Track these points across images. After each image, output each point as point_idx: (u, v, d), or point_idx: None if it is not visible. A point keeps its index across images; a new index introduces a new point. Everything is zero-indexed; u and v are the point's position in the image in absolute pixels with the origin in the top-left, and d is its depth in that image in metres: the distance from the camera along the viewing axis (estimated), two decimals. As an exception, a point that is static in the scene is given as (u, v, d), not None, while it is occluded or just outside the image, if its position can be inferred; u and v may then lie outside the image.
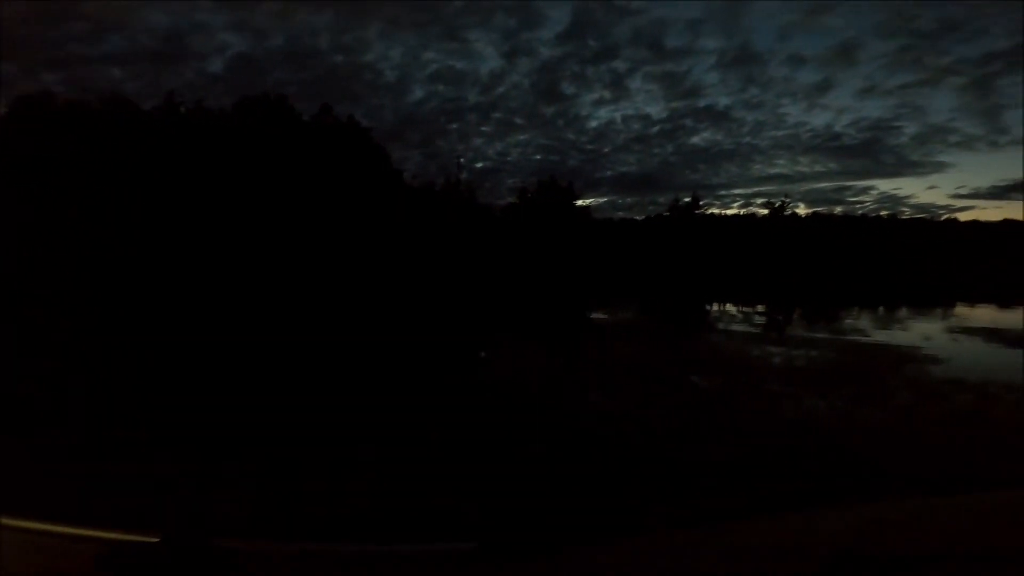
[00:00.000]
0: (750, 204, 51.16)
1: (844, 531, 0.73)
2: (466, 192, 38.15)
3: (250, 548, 0.70)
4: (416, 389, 5.41)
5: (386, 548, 0.69)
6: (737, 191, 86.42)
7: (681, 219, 47.16)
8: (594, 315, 13.97)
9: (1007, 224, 58.12)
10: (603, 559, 0.65)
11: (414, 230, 26.54)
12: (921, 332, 10.46)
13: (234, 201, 21.42)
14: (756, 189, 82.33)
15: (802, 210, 54.83)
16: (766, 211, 51.97)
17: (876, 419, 4.49)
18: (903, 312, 15.04)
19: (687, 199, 49.12)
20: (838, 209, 57.73)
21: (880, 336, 9.87)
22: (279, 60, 67.63)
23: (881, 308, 16.08)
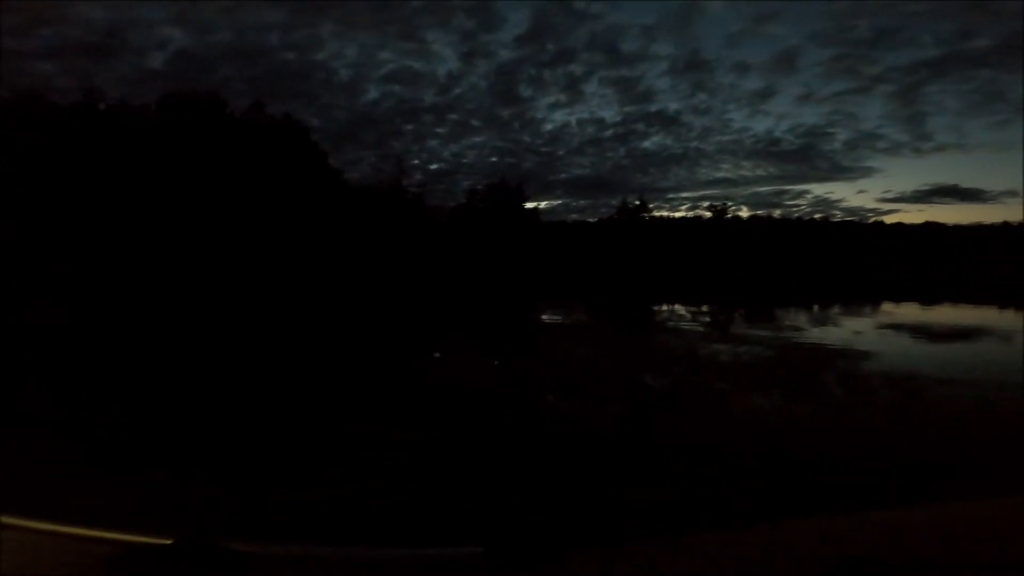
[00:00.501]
0: (697, 207, 53.15)
1: (849, 537, 0.73)
2: (410, 192, 37.65)
3: (260, 550, 0.69)
4: (345, 392, 5.23)
5: (394, 552, 0.68)
6: (685, 194, 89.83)
7: (628, 222, 48.25)
8: (544, 316, 13.87)
9: (928, 226, 62.85)
10: (608, 565, 0.67)
11: (353, 231, 25.80)
12: (852, 329, 10.89)
13: (153, 201, 20.15)
14: (703, 192, 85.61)
15: (744, 213, 57.22)
16: (710, 214, 53.96)
17: (814, 414, 4.62)
18: (836, 310, 15.72)
19: (636, 202, 50.35)
20: (777, 212, 60.69)
21: (816, 333, 10.21)
22: (225, 56, 65.08)
23: (816, 306, 16.77)
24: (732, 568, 0.65)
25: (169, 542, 0.69)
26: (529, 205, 44.75)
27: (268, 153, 24.92)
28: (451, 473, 3.10)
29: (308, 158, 27.62)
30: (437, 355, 8.00)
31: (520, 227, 39.43)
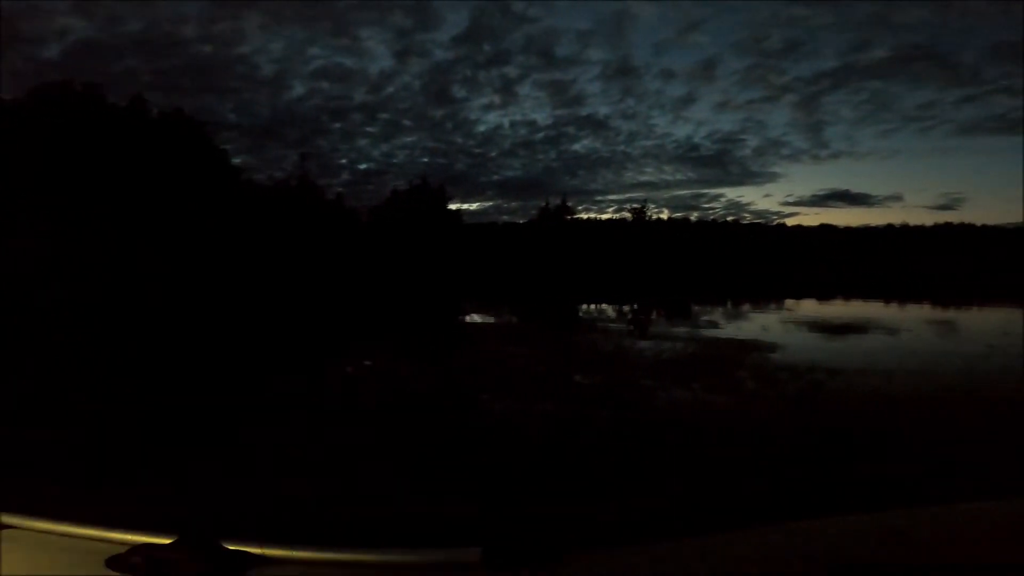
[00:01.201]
0: (623, 209, 55.37)
1: (846, 540, 0.73)
2: (327, 192, 36.27)
3: (260, 550, 0.68)
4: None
5: (392, 553, 0.68)
6: (612, 196, 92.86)
7: (550, 223, 49.03)
8: (471, 318, 13.83)
9: (823, 228, 69.28)
10: (607, 566, 0.67)
11: (256, 232, 24.40)
12: (761, 324, 11.76)
13: (12, 198, 18.11)
14: (628, 195, 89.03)
15: (665, 215, 59.98)
16: (630, 216, 56.11)
17: (734, 405, 4.91)
18: (746, 307, 16.89)
19: (563, 204, 51.32)
20: (695, 215, 64.22)
21: (730, 329, 10.91)
22: (132, 48, 59.47)
23: (729, 304, 17.95)
24: (732, 570, 0.65)
25: (171, 541, 0.68)
26: (453, 206, 44.51)
27: (151, 149, 23.00)
28: (394, 476, 3.03)
29: (201, 155, 25.82)
30: (368, 362, 7.78)
31: (442, 229, 39.03)
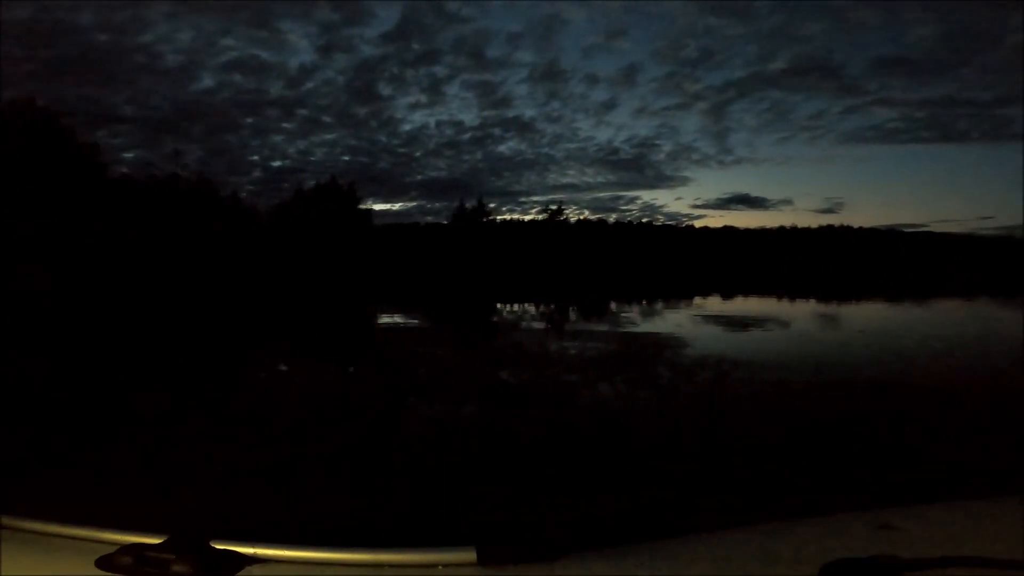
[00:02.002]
0: (546, 210, 56.97)
1: (837, 537, 0.75)
2: (213, 188, 34.03)
3: (254, 551, 0.68)
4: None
5: (386, 553, 0.67)
6: (536, 198, 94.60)
7: (466, 224, 49.02)
8: (386, 320, 13.53)
9: (726, 230, 74.92)
10: (602, 565, 0.66)
11: (118, 229, 22.35)
12: (674, 321, 12.49)
13: None
14: (551, 197, 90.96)
15: (586, 216, 61.98)
16: (545, 217, 57.35)
17: (654, 399, 5.19)
18: (659, 305, 17.85)
19: (479, 204, 51.38)
20: (613, 216, 66.98)
21: (646, 326, 11.48)
22: (18, 35, 52.12)
23: (644, 302, 18.89)
24: (724, 569, 0.66)
25: (161, 541, 0.67)
26: (375, 206, 43.42)
27: None
28: (325, 480, 2.92)
29: (55, 148, 23.25)
30: (284, 367, 7.40)
31: (350, 229, 37.84)
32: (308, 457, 3.48)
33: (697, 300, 19.65)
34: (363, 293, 21.65)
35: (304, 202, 39.17)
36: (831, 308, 16.77)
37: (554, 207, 57.27)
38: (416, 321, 13.46)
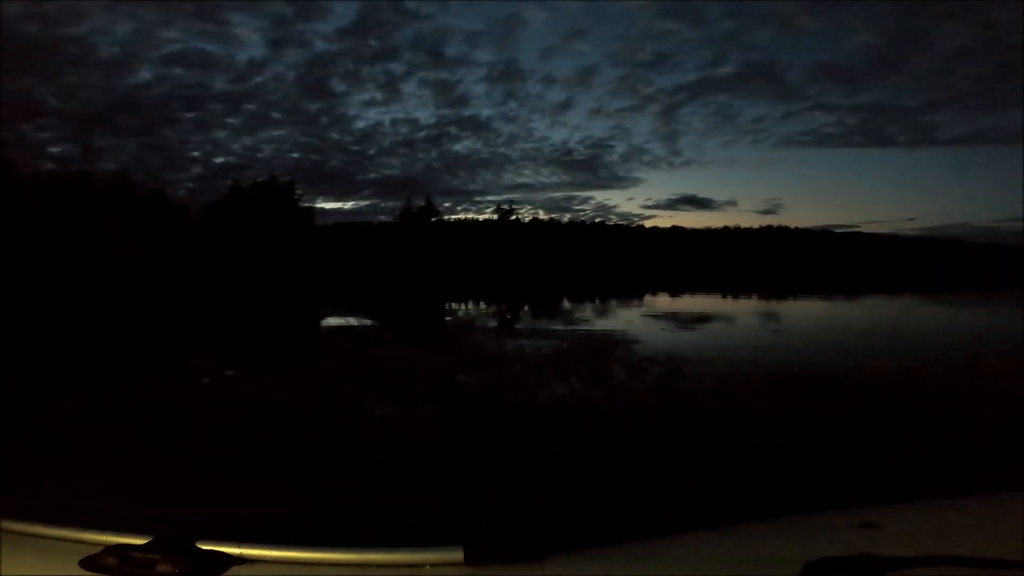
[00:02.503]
0: (498, 210, 57.02)
1: (820, 536, 0.76)
2: (133, 185, 32.22)
3: (240, 551, 0.67)
4: None
5: (373, 553, 0.67)
6: (491, 197, 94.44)
7: (414, 223, 48.36)
8: (333, 322, 13.20)
9: (674, 230, 77.44)
10: (588, 565, 0.66)
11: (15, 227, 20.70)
12: (626, 319, 12.82)
13: None
14: (506, 196, 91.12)
15: (540, 216, 62.50)
16: (497, 216, 57.46)
17: (612, 396, 5.31)
18: (611, 303, 18.27)
19: (427, 204, 50.72)
20: (567, 216, 67.84)
21: (599, 324, 11.73)
22: None
23: (596, 300, 19.28)
24: (708, 568, 0.66)
25: (146, 542, 0.66)
26: (307, 204, 42.25)
27: None
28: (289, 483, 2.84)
29: None
30: (229, 372, 7.11)
31: (288, 227, 36.63)
32: (280, 459, 3.40)
33: (647, 298, 20.23)
34: (303, 294, 20.98)
35: (238, 200, 37.62)
36: (771, 305, 17.65)
37: (505, 207, 57.46)
38: (363, 322, 13.17)
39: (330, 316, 14.02)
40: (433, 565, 0.66)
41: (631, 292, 23.51)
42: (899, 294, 23.53)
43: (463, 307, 17.43)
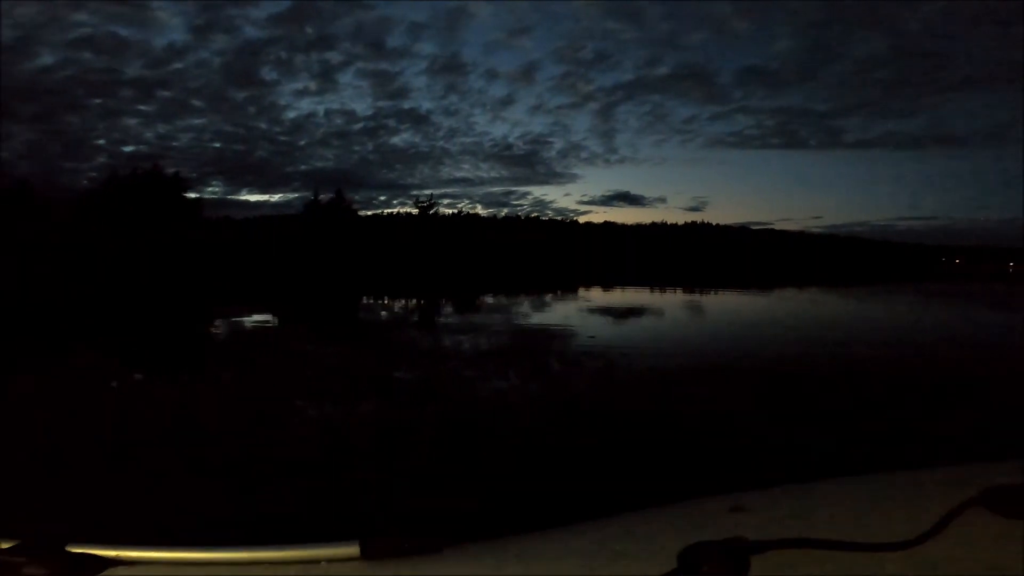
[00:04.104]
0: (418, 203, 55.83)
1: (693, 522, 0.77)
2: None
3: (116, 553, 0.63)
4: None
5: (264, 550, 0.64)
6: (428, 191, 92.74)
7: (323, 217, 46.80)
8: (223, 322, 12.51)
9: (607, 225, 79.90)
10: (484, 557, 0.67)
11: None
12: (561, 312, 13.10)
13: None
14: (444, 190, 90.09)
15: (479, 211, 62.30)
16: (417, 210, 56.62)
17: (551, 389, 5.40)
18: (547, 296, 18.59)
19: (337, 196, 49.09)
20: (504, 211, 68.11)
21: (535, 318, 11.92)
22: None
23: (531, 294, 19.55)
24: (594, 557, 0.68)
25: (12, 545, 0.62)
26: (251, 197, 40.10)
27: None
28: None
29: None
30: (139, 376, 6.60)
31: (170, 219, 34.52)
32: (167, 460, 3.25)
33: (582, 292, 20.75)
34: (190, 291, 19.64)
35: (114, 191, 34.90)
36: (695, 298, 18.63)
37: (424, 200, 56.79)
38: (266, 320, 12.51)
39: (227, 314, 12.82)
40: (329, 560, 0.64)
41: (565, 286, 24.02)
42: (807, 287, 25.56)
43: (383, 302, 17.09)
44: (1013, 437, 3.77)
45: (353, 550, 0.64)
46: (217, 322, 11.62)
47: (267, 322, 11.79)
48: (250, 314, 12.51)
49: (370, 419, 4.35)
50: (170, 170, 37.75)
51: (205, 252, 31.38)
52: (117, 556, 0.63)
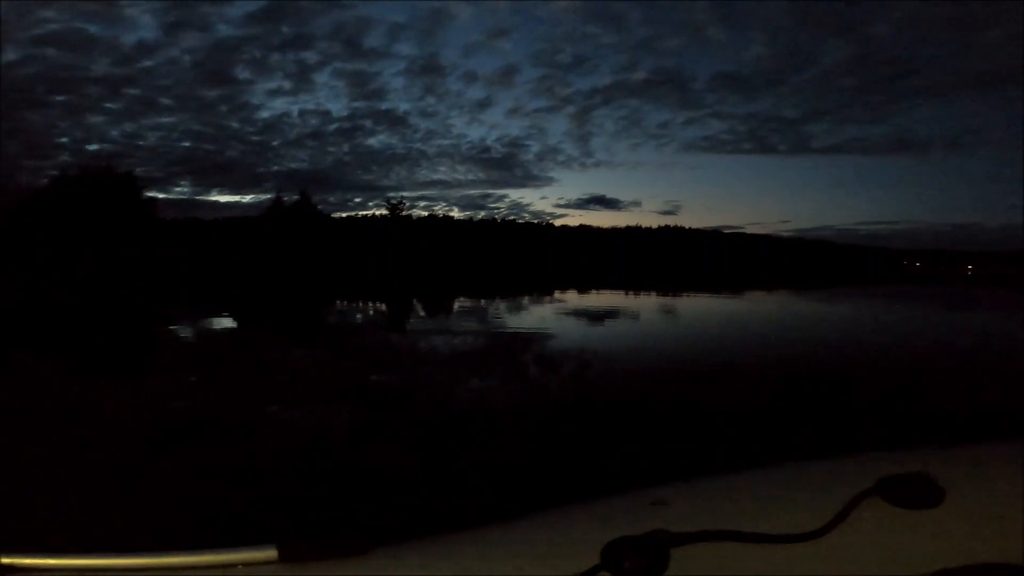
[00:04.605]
0: (415, 206, 55.36)
1: (616, 517, 0.77)
2: None
3: (11, 560, 0.59)
4: None
5: (180, 556, 0.61)
6: (405, 193, 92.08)
7: (288, 217, 46.13)
8: (186, 326, 12.37)
9: (582, 228, 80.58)
10: (411, 558, 0.65)
11: None
12: (538, 315, 13.25)
13: None
14: (421, 192, 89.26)
15: (456, 214, 62.20)
16: (386, 212, 56.02)
17: (527, 392, 5.48)
18: (524, 299, 18.71)
19: (302, 196, 48.33)
20: (481, 214, 68.04)
21: (512, 321, 12.02)
22: None
23: (509, 296, 19.64)
24: (518, 556, 0.68)
25: None
26: (221, 198, 39.34)
27: None
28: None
29: None
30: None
31: (121, 220, 33.67)
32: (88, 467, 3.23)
33: (557, 295, 20.95)
34: (141, 294, 19.15)
35: (63, 190, 33.82)
36: (668, 301, 19.00)
37: (395, 201, 56.46)
38: (225, 324, 12.28)
39: (171, 318, 12.35)
40: (245, 565, 0.62)
41: (541, 289, 24.17)
42: (775, 290, 26.28)
43: (344, 306, 16.98)
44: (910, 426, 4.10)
45: (271, 553, 0.62)
46: (156, 326, 11.21)
47: (212, 326, 11.37)
48: (196, 318, 12.08)
49: (307, 423, 4.33)
50: (137, 169, 36.93)
51: (157, 254, 30.54)
52: (11, 563, 0.60)
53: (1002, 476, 0.89)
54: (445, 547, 0.70)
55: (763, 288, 27.27)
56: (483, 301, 17.65)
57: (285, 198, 47.25)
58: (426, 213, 56.23)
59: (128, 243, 30.00)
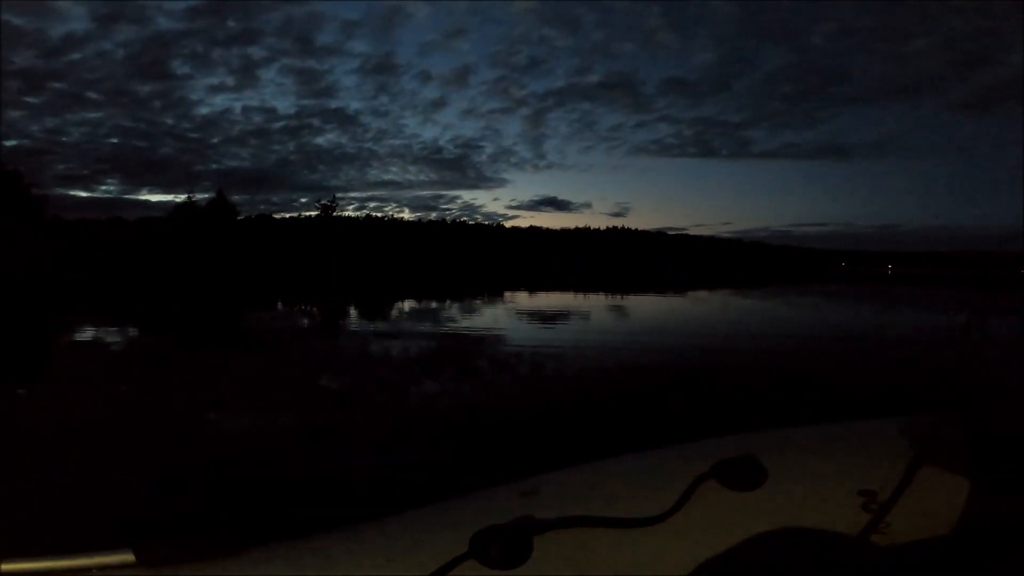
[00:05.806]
0: (364, 207, 54.10)
1: (485, 508, 0.79)
2: None
3: None
4: None
5: (27, 563, 0.59)
6: (354, 194, 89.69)
7: (197, 219, 44.48)
8: (74, 334, 11.74)
9: (532, 230, 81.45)
10: (291, 557, 0.65)
11: None
12: (491, 316, 13.20)
13: None
14: (371, 193, 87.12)
15: (406, 215, 61.46)
16: (318, 212, 54.80)
17: (483, 392, 5.39)
18: (475, 300, 18.64)
19: (218, 196, 46.78)
20: (433, 215, 67.53)
21: (463, 323, 11.92)
22: None
23: (461, 298, 19.52)
24: (390, 550, 0.69)
25: None
26: (152, 197, 37.21)
27: None
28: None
29: None
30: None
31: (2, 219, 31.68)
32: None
33: (508, 295, 21.00)
34: (32, 298, 18.02)
35: None
36: (616, 300, 19.42)
37: (327, 201, 55.34)
38: (125, 331, 11.74)
39: (78, 325, 11.26)
40: (101, 569, 0.61)
41: (492, 290, 24.18)
42: (717, 289, 27.39)
43: (292, 308, 16.45)
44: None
45: (127, 557, 0.61)
46: (29, 332, 10.19)
47: (89, 331, 10.75)
48: (79, 323, 11.10)
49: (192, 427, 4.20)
50: (60, 167, 34.24)
51: (40, 255, 28.45)
52: None
53: (819, 455, 0.98)
54: (318, 546, 0.69)
55: (706, 288, 28.38)
56: (424, 302, 17.46)
57: (197, 197, 45.37)
58: (379, 214, 55.13)
59: (5, 242, 27.53)
